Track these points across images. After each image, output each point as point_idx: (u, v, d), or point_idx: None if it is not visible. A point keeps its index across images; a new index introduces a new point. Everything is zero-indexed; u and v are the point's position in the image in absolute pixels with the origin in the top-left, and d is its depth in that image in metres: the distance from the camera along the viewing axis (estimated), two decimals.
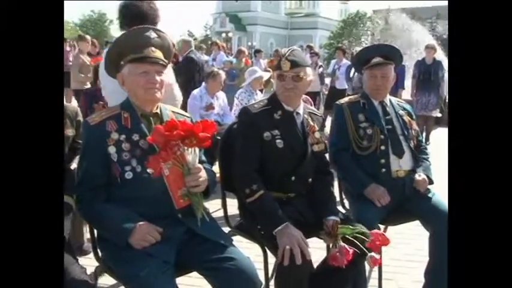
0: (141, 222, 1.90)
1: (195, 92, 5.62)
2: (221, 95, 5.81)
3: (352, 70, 8.84)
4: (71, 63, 10.89)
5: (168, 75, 3.01)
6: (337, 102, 2.88)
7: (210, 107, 5.51)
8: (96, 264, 2.11)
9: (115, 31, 62.97)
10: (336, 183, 2.67)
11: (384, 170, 2.68)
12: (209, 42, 14.63)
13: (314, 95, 8.47)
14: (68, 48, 11.03)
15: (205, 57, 11.30)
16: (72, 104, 4.42)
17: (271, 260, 2.25)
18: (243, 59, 10.45)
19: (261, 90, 6.66)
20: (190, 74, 7.19)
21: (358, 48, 6.89)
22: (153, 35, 2.08)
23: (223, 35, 43.94)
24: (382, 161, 2.68)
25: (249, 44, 42.41)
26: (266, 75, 6.24)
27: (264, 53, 14.82)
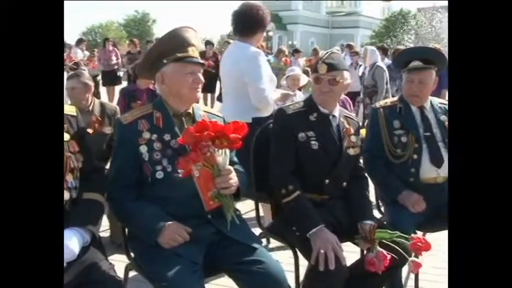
0: (170, 222, 1.90)
1: None
2: None
3: (362, 67, 8.66)
4: (113, 62, 11.23)
5: (265, 80, 3.15)
6: (373, 105, 2.80)
7: None
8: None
9: (158, 30, 64.32)
10: (371, 188, 2.60)
11: (412, 179, 2.59)
12: None
13: (354, 95, 8.32)
14: (110, 48, 11.31)
15: None
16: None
17: (303, 263, 2.21)
18: (283, 59, 10.40)
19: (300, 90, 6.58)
20: None
21: (400, 48, 6.70)
22: (193, 35, 2.10)
23: (264, 34, 43.81)
24: (412, 170, 2.59)
25: (290, 43, 42.26)
26: (304, 78, 6.14)
27: (305, 52, 14.69)
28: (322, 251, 1.97)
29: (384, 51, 9.80)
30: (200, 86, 2.06)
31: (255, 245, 1.96)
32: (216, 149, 1.88)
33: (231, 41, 10.33)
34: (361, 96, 8.87)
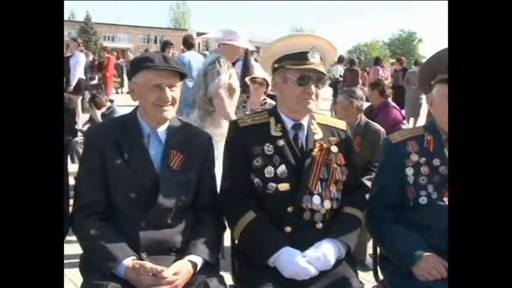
0: (428, 253, 1.78)
1: None
2: None
3: None
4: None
5: None
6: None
7: None
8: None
9: (422, 50, 62.55)
10: None
11: None
12: None
13: None
14: (378, 66, 11.60)
15: None
16: None
17: None
18: None
19: None
20: None
21: None
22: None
23: None
24: None
25: None
26: None
27: None
28: None
29: None
30: None
31: None
32: None
33: None
34: None
